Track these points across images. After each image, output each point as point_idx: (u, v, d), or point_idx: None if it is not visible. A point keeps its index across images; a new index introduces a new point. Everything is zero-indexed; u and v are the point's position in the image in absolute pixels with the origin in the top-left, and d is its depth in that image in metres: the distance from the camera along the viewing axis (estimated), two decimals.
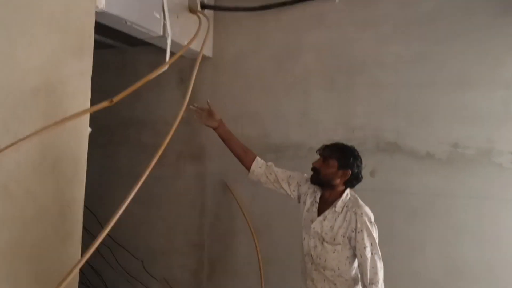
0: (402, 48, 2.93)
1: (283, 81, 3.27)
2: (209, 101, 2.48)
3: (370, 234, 2.07)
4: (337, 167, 2.19)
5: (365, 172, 3.00)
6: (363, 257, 2.05)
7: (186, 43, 2.80)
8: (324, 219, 2.19)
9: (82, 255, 2.15)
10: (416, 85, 2.89)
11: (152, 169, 3.64)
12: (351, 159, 2.21)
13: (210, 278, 3.42)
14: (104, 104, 2.07)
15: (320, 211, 2.24)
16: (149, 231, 3.66)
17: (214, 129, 2.45)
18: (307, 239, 2.25)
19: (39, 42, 1.96)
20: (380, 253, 2.07)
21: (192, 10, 3.08)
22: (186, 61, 3.43)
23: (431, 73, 2.86)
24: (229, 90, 3.44)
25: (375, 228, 2.12)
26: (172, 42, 2.85)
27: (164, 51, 2.88)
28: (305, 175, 2.41)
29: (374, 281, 2.02)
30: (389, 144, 2.94)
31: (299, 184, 2.39)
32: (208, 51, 3.44)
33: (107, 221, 4.10)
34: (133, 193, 1.98)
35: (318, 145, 3.15)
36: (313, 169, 2.25)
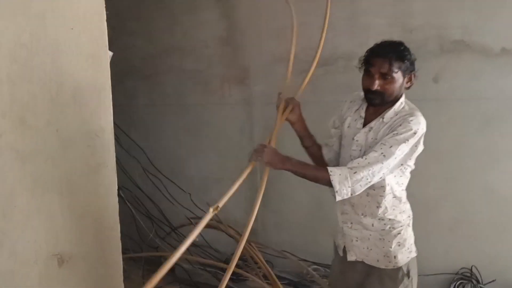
0: None
1: None
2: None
3: (400, 139, 1.67)
4: (402, 76, 1.74)
5: (427, 79, 2.64)
6: (372, 149, 1.71)
7: None
8: (370, 130, 1.81)
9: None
10: None
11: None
12: (412, 56, 1.75)
13: (264, 203, 3.31)
14: None
15: (365, 124, 1.86)
16: (201, 159, 3.58)
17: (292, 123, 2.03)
18: (348, 159, 1.85)
19: None
20: (390, 164, 1.68)
21: None
22: None
23: None
24: (268, 1, 3.11)
25: (414, 142, 1.70)
26: None
27: None
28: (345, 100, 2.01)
29: (355, 166, 1.69)
30: (455, 43, 2.52)
31: (340, 114, 2.01)
32: None
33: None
34: None
35: None
36: (374, 92, 1.74)
